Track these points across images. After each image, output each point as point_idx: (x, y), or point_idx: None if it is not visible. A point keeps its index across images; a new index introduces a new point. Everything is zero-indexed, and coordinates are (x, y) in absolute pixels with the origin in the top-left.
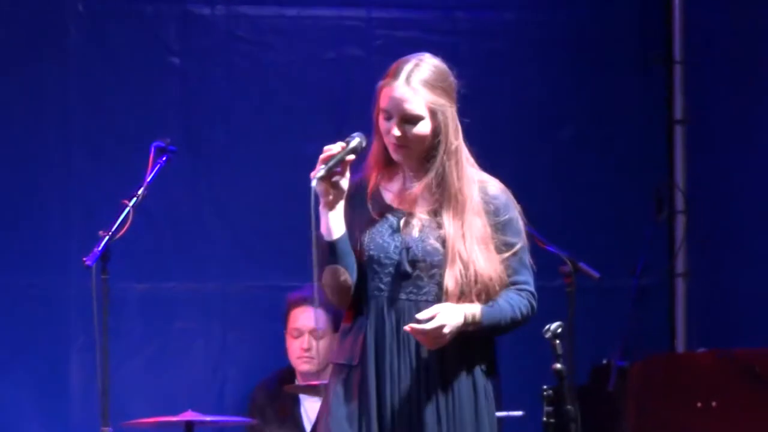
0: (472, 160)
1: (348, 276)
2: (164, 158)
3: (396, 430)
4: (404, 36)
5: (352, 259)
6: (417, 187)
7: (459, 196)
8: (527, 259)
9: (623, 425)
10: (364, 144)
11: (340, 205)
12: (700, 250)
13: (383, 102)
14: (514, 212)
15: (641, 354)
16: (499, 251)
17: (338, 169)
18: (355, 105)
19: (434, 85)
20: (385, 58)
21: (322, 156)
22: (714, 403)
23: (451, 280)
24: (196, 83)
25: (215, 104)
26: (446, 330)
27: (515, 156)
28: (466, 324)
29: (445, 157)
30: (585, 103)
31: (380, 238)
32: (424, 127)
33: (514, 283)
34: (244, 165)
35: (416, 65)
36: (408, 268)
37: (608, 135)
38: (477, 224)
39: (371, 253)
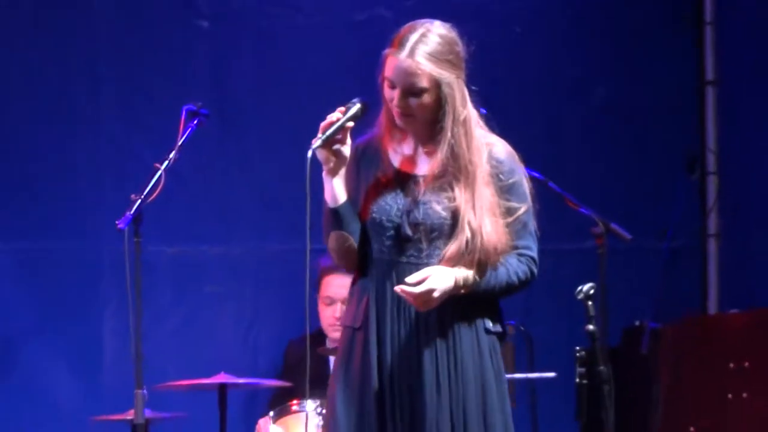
0: (481, 122)
1: (352, 241)
2: (195, 121)
3: (396, 393)
4: None
5: (357, 224)
6: (434, 151)
7: (469, 167)
8: (532, 224)
9: (656, 387)
10: (364, 110)
11: (342, 171)
12: (732, 211)
13: (388, 71)
14: (520, 176)
15: (673, 315)
16: (503, 216)
17: (338, 136)
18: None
19: (439, 57)
20: (416, 19)
21: (323, 123)
22: (746, 364)
23: (454, 246)
24: (226, 46)
25: (245, 67)
26: (436, 294)
27: (547, 118)
28: (457, 287)
29: (454, 129)
30: (616, 65)
31: (383, 201)
32: (426, 99)
33: (515, 248)
34: (275, 128)
35: (422, 36)
36: (408, 231)
37: (640, 96)
38: (486, 194)
39: (374, 215)
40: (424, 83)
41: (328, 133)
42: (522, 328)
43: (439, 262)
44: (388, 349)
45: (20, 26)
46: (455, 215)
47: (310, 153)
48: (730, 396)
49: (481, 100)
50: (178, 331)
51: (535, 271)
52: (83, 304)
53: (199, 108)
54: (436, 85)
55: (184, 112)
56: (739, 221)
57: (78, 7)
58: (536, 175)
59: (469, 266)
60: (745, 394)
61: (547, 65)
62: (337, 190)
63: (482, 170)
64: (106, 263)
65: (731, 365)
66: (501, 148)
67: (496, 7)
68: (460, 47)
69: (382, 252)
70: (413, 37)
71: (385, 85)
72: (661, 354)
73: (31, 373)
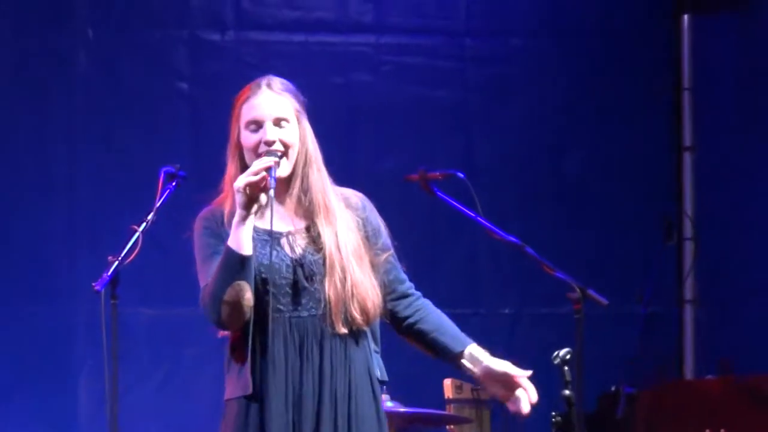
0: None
1: (251, 295)
2: (174, 184)
3: None
4: (412, 62)
5: (252, 279)
6: (288, 204)
7: (327, 203)
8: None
9: None
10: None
11: (252, 220)
12: (708, 277)
13: (248, 114)
14: (380, 218)
15: (650, 381)
16: (377, 256)
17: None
18: (362, 130)
19: (293, 93)
20: (393, 84)
21: (260, 166)
22: (722, 430)
23: (331, 290)
24: (205, 109)
25: (224, 129)
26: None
27: (524, 182)
28: None
29: (306, 167)
30: (594, 130)
31: (266, 260)
32: (293, 132)
33: (402, 284)
34: None
35: (270, 78)
36: (306, 284)
37: (617, 162)
38: (351, 237)
39: (264, 276)
40: (288, 113)
41: (273, 176)
42: None
43: (327, 310)
44: (291, 408)
45: None
46: (324, 255)
47: (272, 192)
48: None
49: (460, 165)
50: (154, 394)
51: None
52: (58, 367)
53: (178, 170)
54: (297, 118)
55: (162, 174)
56: (715, 287)
57: (56, 68)
58: (513, 239)
59: (350, 313)
60: None
61: (523, 129)
62: (247, 237)
63: (341, 211)
64: (81, 325)
65: (707, 431)
66: (356, 195)
67: (473, 73)
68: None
69: (279, 310)
70: (263, 81)
71: (246, 134)
72: (637, 419)
73: None
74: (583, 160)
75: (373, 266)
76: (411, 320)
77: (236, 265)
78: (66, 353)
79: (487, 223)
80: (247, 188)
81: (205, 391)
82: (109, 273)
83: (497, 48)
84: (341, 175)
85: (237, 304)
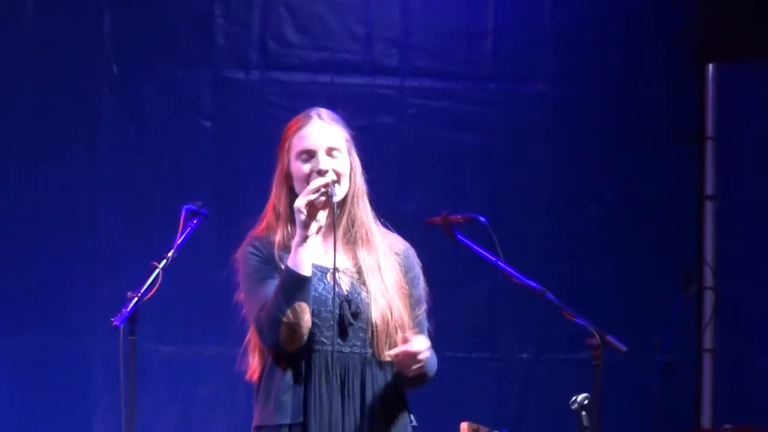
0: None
1: (310, 317)
2: (195, 221)
3: None
4: (437, 106)
5: (311, 301)
6: (338, 238)
7: (370, 237)
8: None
9: None
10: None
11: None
12: (727, 327)
13: (300, 144)
14: (420, 267)
15: (667, 430)
16: (412, 306)
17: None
18: (385, 172)
19: (342, 124)
20: (417, 127)
21: (318, 183)
22: None
23: (378, 315)
24: (229, 147)
25: (247, 168)
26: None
27: (544, 228)
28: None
29: (354, 198)
30: (615, 177)
31: (315, 292)
32: (345, 161)
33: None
34: None
35: (319, 109)
36: (352, 321)
37: (638, 210)
38: (393, 271)
39: (311, 307)
40: (339, 143)
41: (333, 192)
42: None
43: (373, 336)
44: None
45: (19, 124)
46: (365, 284)
47: (334, 193)
48: None
49: (483, 209)
50: (172, 431)
51: None
52: (74, 402)
53: (199, 207)
54: (347, 149)
55: (183, 212)
56: (734, 337)
57: (80, 103)
58: (533, 284)
59: (394, 340)
60: None
61: (545, 175)
62: (307, 258)
63: (385, 249)
64: (99, 360)
65: None
66: (400, 240)
67: (497, 117)
68: None
69: (322, 343)
70: (313, 112)
71: (297, 165)
72: None
73: None
74: (604, 206)
75: (410, 308)
76: None
77: (296, 286)
78: (82, 388)
79: (507, 268)
80: (307, 207)
81: (222, 428)
82: (129, 309)
83: (522, 93)
84: None
85: (296, 326)
